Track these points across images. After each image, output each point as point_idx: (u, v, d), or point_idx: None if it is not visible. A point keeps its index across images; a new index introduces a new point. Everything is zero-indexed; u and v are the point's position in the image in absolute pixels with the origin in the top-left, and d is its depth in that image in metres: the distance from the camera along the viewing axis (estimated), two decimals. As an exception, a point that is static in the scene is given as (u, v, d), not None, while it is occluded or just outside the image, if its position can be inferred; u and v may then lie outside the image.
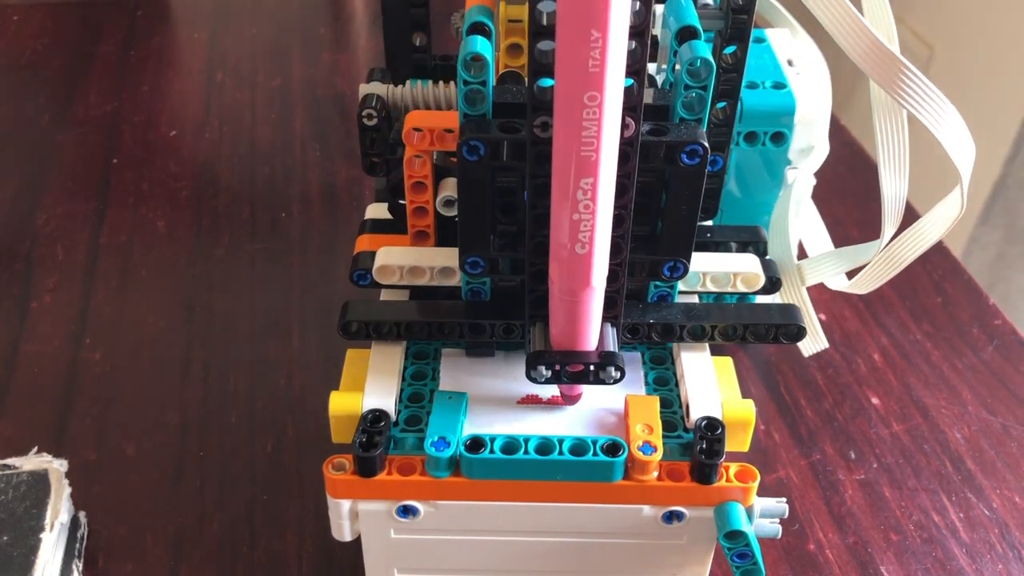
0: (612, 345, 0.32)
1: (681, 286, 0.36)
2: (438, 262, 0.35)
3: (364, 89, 0.37)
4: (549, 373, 0.32)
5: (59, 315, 0.53)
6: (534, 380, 0.32)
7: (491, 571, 0.36)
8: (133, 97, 0.71)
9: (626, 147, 0.28)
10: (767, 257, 0.38)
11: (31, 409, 0.47)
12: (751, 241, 0.38)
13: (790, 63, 0.44)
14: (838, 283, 0.41)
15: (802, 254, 0.46)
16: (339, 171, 0.64)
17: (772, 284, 0.36)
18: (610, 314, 0.32)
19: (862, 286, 0.38)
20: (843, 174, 0.61)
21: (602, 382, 0.32)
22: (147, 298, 0.54)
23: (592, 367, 0.31)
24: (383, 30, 0.41)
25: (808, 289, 0.40)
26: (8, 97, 0.72)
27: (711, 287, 0.36)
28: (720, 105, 0.36)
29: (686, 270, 0.33)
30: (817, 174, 0.44)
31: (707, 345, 0.36)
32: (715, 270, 0.36)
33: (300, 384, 0.49)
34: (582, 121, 0.25)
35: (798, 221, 0.45)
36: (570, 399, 0.34)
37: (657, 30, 0.36)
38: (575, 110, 0.25)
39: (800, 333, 0.35)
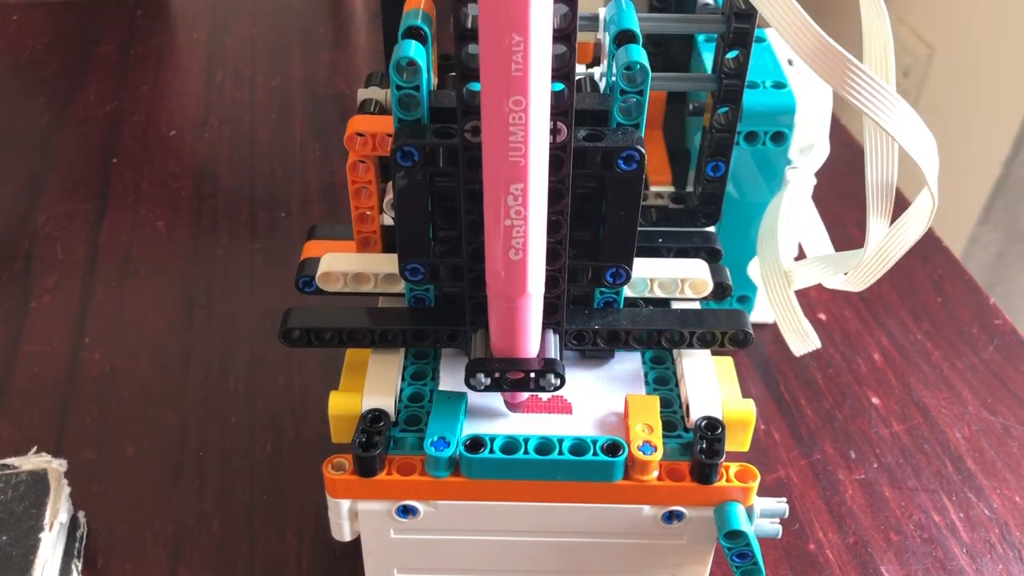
0: (553, 352, 0.32)
1: (629, 292, 0.36)
2: (382, 268, 0.35)
3: (363, 94, 0.37)
4: (488, 381, 0.32)
5: (59, 315, 0.53)
6: (473, 388, 0.32)
7: (491, 571, 0.36)
8: (132, 97, 0.71)
9: (558, 152, 0.28)
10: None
11: (31, 409, 0.47)
12: (703, 246, 0.38)
13: (790, 63, 0.44)
14: (834, 281, 0.41)
15: (801, 254, 0.46)
16: (339, 171, 0.63)
17: (722, 290, 0.36)
18: (551, 320, 0.32)
19: (855, 284, 0.39)
20: (843, 174, 0.61)
21: (542, 389, 0.32)
22: (147, 298, 0.54)
23: (532, 374, 0.31)
24: (382, 29, 0.41)
25: (808, 289, 0.40)
26: (8, 97, 0.72)
27: (659, 292, 0.36)
28: (722, 110, 0.36)
29: (628, 276, 0.33)
30: (817, 174, 0.44)
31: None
32: (662, 276, 0.36)
33: (300, 384, 0.49)
34: (508, 126, 0.25)
35: (798, 221, 0.45)
36: (513, 407, 0.34)
37: (600, 33, 0.36)
38: (501, 115, 0.25)
39: (747, 339, 0.35)
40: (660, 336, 0.35)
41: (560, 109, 0.27)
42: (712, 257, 0.37)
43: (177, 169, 0.64)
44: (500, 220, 0.27)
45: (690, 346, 0.35)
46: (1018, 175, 0.98)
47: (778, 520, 0.34)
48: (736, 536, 0.32)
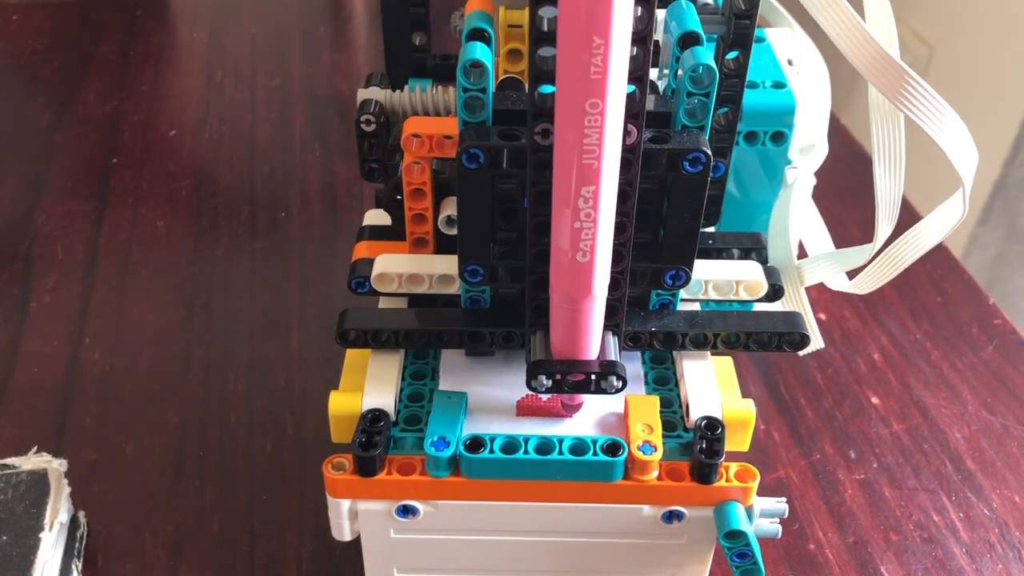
0: (613, 354, 0.32)
1: (683, 294, 0.36)
2: (437, 269, 0.35)
3: (363, 94, 0.37)
4: (550, 383, 0.31)
5: (59, 315, 0.53)
6: (535, 390, 0.32)
7: (491, 571, 0.36)
8: (133, 97, 0.71)
9: (628, 154, 0.28)
10: (768, 263, 0.38)
11: (31, 409, 0.47)
12: (753, 248, 0.38)
13: (790, 63, 0.44)
14: (839, 283, 0.41)
15: (802, 254, 0.46)
16: (339, 171, 0.64)
17: (775, 292, 0.36)
18: (611, 322, 0.32)
19: (862, 286, 0.39)
20: (843, 174, 0.61)
21: (603, 391, 0.32)
22: (147, 298, 0.54)
23: (593, 376, 0.31)
24: (382, 29, 0.41)
25: (807, 289, 0.40)
26: (8, 97, 0.72)
27: (713, 295, 0.36)
28: (722, 111, 0.36)
29: (688, 278, 0.33)
30: (817, 174, 0.44)
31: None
32: (717, 278, 0.36)
33: (300, 384, 0.49)
34: (584, 128, 0.25)
35: (798, 221, 0.45)
36: (571, 408, 0.34)
37: (659, 35, 0.36)
38: (577, 117, 0.25)
39: (803, 341, 0.35)
40: (716, 338, 0.35)
41: (632, 111, 0.27)
42: (761, 259, 0.37)
43: (177, 169, 0.64)
44: (570, 222, 0.27)
45: (746, 348, 0.35)
46: (1018, 175, 0.98)
47: (778, 520, 0.34)
48: (736, 536, 0.32)
